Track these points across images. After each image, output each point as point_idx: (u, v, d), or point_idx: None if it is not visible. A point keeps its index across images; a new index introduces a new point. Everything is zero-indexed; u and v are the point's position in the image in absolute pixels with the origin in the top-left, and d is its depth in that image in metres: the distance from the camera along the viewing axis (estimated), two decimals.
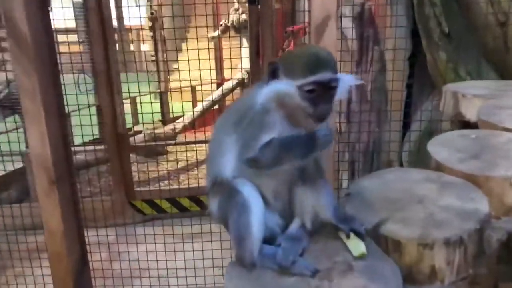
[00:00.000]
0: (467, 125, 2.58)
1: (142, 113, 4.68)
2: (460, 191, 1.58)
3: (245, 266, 1.31)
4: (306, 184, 1.37)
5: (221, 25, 8.32)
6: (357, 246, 1.33)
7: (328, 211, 1.38)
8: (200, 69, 3.73)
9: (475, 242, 1.40)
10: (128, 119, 5.30)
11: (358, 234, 1.35)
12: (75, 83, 4.56)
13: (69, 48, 4.34)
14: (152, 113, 4.52)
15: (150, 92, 6.15)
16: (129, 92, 4.68)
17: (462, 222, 1.40)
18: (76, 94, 4.14)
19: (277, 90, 1.26)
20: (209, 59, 3.78)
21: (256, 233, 1.28)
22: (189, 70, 3.89)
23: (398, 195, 1.59)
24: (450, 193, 1.57)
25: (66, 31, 4.75)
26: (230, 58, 4.40)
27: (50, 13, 2.56)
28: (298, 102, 1.25)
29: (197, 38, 3.87)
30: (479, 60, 3.51)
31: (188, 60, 3.82)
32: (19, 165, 5.02)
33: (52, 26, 2.55)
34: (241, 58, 7.59)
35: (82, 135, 4.07)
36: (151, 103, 4.34)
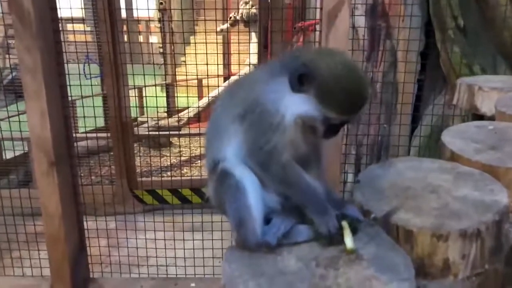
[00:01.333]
0: (481, 119, 2.49)
1: (147, 106, 4.59)
2: (478, 182, 1.49)
3: (249, 249, 1.24)
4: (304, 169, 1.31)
5: (230, 18, 8.24)
6: (347, 241, 1.23)
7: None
8: (207, 64, 3.64)
9: (493, 236, 1.31)
10: (133, 109, 5.25)
11: (353, 220, 1.28)
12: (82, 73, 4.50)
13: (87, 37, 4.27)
14: (157, 106, 4.43)
15: (155, 85, 6.10)
16: (134, 83, 4.61)
17: (480, 214, 1.31)
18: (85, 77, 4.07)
19: (303, 113, 1.20)
20: (217, 54, 3.68)
21: (256, 212, 1.23)
22: (196, 64, 3.80)
23: (411, 183, 1.51)
24: (467, 184, 1.48)
25: (73, 20, 4.68)
26: (238, 52, 4.31)
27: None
28: (317, 124, 1.22)
29: (205, 31, 3.78)
30: (494, 56, 3.41)
31: (196, 54, 3.73)
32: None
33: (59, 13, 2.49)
34: (249, 53, 7.51)
35: (85, 122, 4.02)
36: (156, 97, 4.24)
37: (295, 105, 1.19)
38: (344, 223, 1.26)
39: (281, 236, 1.24)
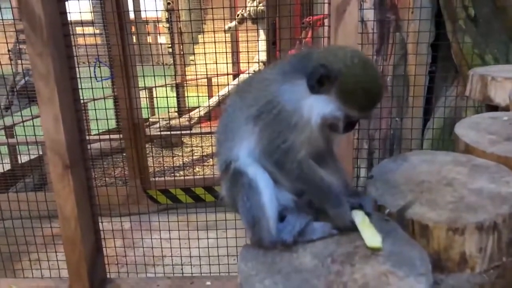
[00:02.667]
0: (495, 110, 2.45)
1: (158, 107, 4.61)
2: (493, 174, 1.48)
3: (265, 247, 1.25)
4: (319, 165, 1.32)
5: (238, 15, 8.22)
6: (373, 237, 1.22)
7: (338, 185, 1.34)
8: (216, 63, 3.64)
9: (510, 228, 1.30)
10: (145, 110, 5.27)
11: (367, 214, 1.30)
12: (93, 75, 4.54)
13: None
14: (168, 106, 4.44)
15: (166, 85, 6.14)
16: (144, 83, 4.64)
17: (496, 206, 1.29)
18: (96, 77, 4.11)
19: (328, 114, 1.22)
20: (226, 52, 3.67)
21: (270, 211, 1.24)
22: (205, 63, 3.80)
23: (425, 177, 1.50)
24: (482, 176, 1.47)
25: (82, 23, 4.71)
26: (247, 50, 4.30)
27: (67, 3, 2.51)
28: (337, 122, 1.23)
29: (213, 31, 3.77)
30: (507, 45, 3.36)
31: (204, 53, 3.72)
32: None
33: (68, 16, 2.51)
34: (258, 51, 7.50)
35: (97, 124, 4.06)
36: (167, 97, 4.26)
37: (319, 107, 1.21)
38: (363, 217, 1.26)
39: (296, 234, 1.25)
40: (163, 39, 10.13)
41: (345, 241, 1.25)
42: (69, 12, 2.54)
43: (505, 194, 1.35)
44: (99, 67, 5.02)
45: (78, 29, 5.39)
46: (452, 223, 1.24)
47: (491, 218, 1.25)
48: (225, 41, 4.03)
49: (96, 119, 4.00)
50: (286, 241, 1.24)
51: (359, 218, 1.27)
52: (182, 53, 7.94)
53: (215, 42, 3.45)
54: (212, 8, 3.46)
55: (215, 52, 3.48)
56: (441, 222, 1.25)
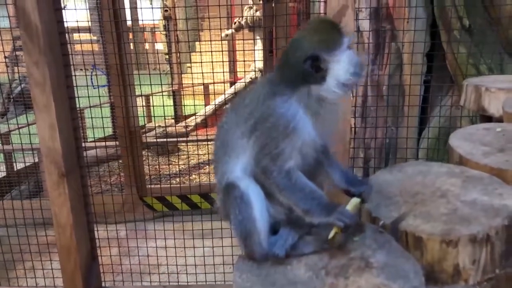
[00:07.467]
0: (489, 120, 2.47)
1: (154, 113, 4.62)
2: (486, 186, 1.49)
3: (256, 261, 1.25)
4: (313, 174, 1.33)
5: (235, 23, 8.26)
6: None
7: (336, 176, 1.36)
8: (213, 72, 3.65)
9: (503, 240, 1.30)
10: (141, 117, 5.28)
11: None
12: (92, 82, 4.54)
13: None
14: (164, 113, 4.43)
15: (162, 92, 6.14)
16: (141, 91, 4.64)
17: (489, 218, 1.30)
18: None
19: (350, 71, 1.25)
20: (223, 61, 3.68)
21: (261, 225, 1.24)
22: (202, 72, 3.82)
23: (419, 189, 1.51)
24: (475, 188, 1.48)
25: (79, 29, 4.73)
26: (244, 60, 4.33)
27: (64, 12, 2.52)
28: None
29: (210, 40, 3.80)
30: (501, 55, 3.39)
31: (201, 62, 3.73)
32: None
33: (66, 24, 2.52)
34: (254, 60, 7.54)
35: (93, 132, 4.05)
36: (164, 106, 4.26)
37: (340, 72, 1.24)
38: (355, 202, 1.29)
39: (289, 247, 1.25)
40: (160, 46, 10.16)
41: (339, 253, 1.25)
42: (66, 21, 2.55)
43: (498, 206, 1.36)
44: (95, 74, 5.03)
45: (75, 36, 5.40)
46: (446, 235, 1.25)
47: (485, 230, 1.26)
48: (222, 50, 4.05)
49: (93, 127, 4.00)
50: (278, 255, 1.25)
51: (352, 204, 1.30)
52: (179, 61, 7.95)
53: (211, 50, 3.47)
54: (209, 18, 3.48)
55: (212, 62, 3.50)
56: (435, 234, 1.26)
